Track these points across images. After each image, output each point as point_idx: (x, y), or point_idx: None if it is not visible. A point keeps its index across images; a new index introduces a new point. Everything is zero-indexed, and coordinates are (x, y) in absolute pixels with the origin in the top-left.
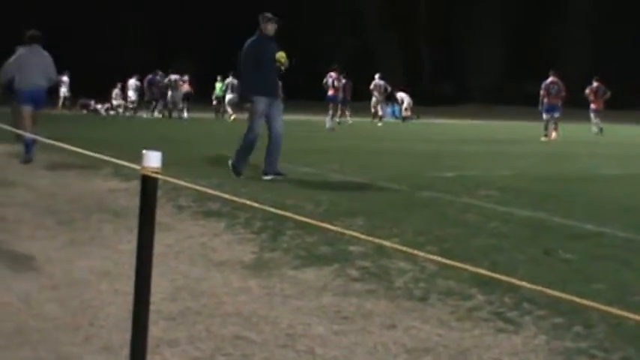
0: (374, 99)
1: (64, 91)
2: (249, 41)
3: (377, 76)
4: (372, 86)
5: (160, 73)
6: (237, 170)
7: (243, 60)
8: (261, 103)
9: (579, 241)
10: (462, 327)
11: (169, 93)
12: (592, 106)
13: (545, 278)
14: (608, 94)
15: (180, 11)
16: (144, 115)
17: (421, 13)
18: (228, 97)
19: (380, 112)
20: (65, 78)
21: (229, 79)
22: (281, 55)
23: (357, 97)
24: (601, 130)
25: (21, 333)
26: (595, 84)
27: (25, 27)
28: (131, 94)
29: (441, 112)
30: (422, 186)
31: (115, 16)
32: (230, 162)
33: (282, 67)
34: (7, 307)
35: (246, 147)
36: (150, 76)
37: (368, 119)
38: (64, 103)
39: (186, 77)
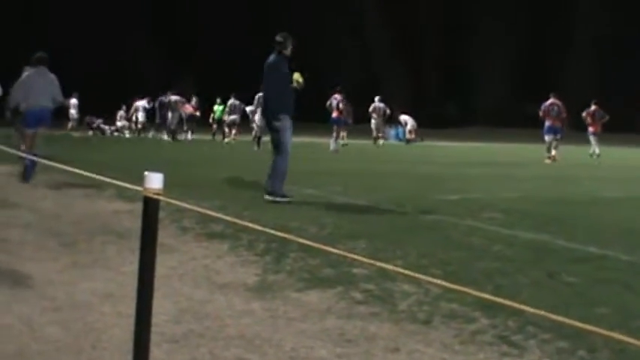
0: (373, 121)
1: (72, 112)
2: (273, 60)
3: (377, 98)
4: (371, 109)
5: (169, 94)
6: (281, 195)
7: (271, 79)
8: (287, 120)
9: (582, 264)
10: (466, 350)
11: (169, 114)
12: (590, 129)
13: (548, 302)
14: (607, 117)
15: (184, 31)
16: (149, 134)
17: (426, 37)
18: (231, 117)
19: (379, 134)
20: (74, 100)
21: (231, 101)
22: (298, 76)
23: (361, 120)
24: (592, 154)
25: (22, 355)
26: (593, 107)
27: (34, 47)
28: (140, 116)
29: (444, 134)
30: (426, 209)
31: (122, 37)
32: (267, 195)
33: (298, 88)
34: (8, 329)
35: (285, 169)
36: (161, 98)
37: (370, 142)
38: (72, 125)
39: (194, 99)
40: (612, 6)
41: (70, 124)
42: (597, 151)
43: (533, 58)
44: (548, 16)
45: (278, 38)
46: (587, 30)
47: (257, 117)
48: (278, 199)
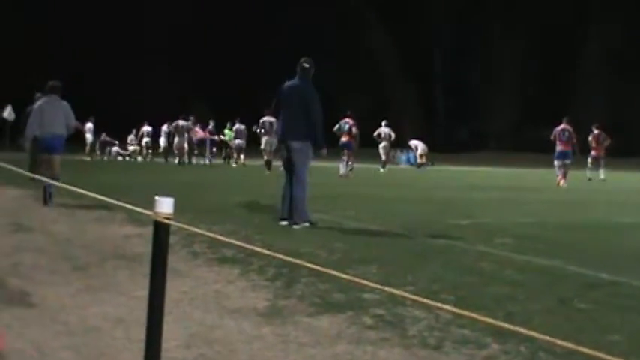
0: (381, 147)
1: (88, 137)
2: (304, 86)
3: (384, 123)
4: (376, 134)
5: (192, 119)
6: (307, 221)
7: (317, 105)
8: (310, 148)
9: (595, 290)
10: None
11: (176, 139)
12: (592, 153)
13: (560, 328)
14: (608, 141)
15: (199, 59)
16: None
17: (436, 61)
18: (237, 142)
19: (383, 158)
20: (89, 125)
21: (237, 125)
22: None
23: (371, 143)
24: (589, 179)
25: None
26: (596, 131)
27: (49, 71)
28: (162, 141)
29: (455, 158)
30: (436, 234)
31: (136, 63)
32: (299, 225)
33: None
34: (20, 353)
35: (305, 195)
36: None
37: (379, 166)
38: (88, 150)
39: (211, 124)
40: (625, 24)
41: (87, 149)
42: (588, 175)
43: (544, 82)
44: (560, 40)
45: (305, 64)
46: (599, 52)
47: (263, 141)
48: (306, 224)
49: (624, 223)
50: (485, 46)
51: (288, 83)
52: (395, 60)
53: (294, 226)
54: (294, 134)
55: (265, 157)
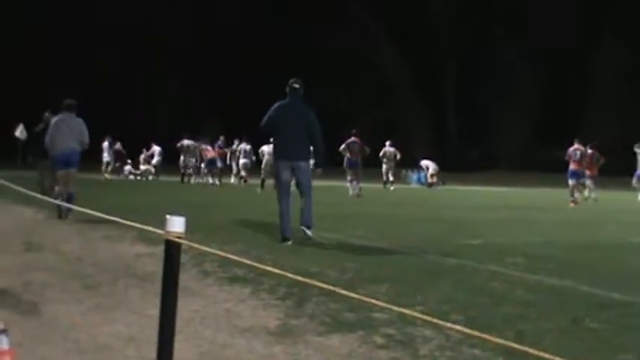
0: (384, 166)
1: (105, 155)
2: (302, 105)
3: (388, 143)
4: (381, 153)
5: (222, 139)
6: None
7: (318, 125)
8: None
9: (606, 310)
10: None
11: (181, 158)
12: (587, 172)
13: (572, 348)
14: (602, 160)
15: (208, 79)
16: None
17: (448, 80)
18: (242, 161)
19: (391, 178)
20: (105, 143)
21: (242, 145)
22: None
23: (377, 163)
24: (587, 198)
25: None
26: (590, 151)
27: (64, 90)
28: (181, 160)
29: (466, 178)
30: (447, 253)
31: (148, 83)
32: (312, 230)
33: None
34: None
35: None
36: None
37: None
38: (106, 169)
39: (235, 143)
40: (635, 42)
41: (103, 168)
42: (594, 195)
43: (554, 102)
44: (570, 59)
45: (295, 85)
46: (609, 71)
47: (265, 160)
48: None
49: (634, 243)
50: (495, 66)
51: (282, 103)
52: (405, 79)
53: (308, 231)
54: (301, 154)
55: (262, 175)
